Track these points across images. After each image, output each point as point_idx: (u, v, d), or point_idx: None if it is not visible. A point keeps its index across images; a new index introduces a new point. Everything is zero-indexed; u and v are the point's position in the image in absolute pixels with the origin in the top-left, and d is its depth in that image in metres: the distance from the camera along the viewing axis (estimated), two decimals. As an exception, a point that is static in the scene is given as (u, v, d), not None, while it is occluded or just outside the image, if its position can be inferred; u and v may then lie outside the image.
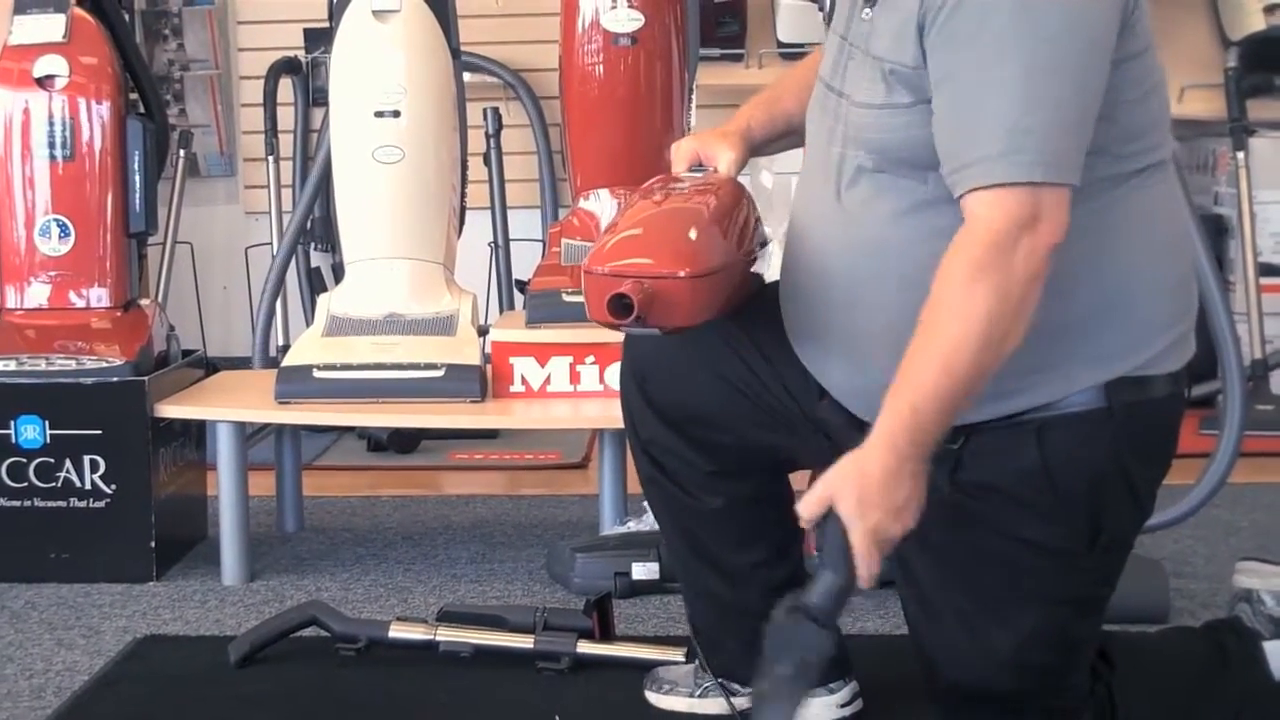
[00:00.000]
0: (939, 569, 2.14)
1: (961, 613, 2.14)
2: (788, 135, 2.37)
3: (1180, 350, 2.12)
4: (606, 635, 2.73)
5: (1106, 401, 2.05)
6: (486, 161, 5.01)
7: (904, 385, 1.92)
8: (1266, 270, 4.71)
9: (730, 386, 2.28)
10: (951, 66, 1.94)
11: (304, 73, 5.34)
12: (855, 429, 2.11)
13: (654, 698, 2.54)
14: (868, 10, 2.08)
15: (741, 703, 2.46)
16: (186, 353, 3.70)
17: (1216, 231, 4.71)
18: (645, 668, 2.61)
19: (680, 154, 2.35)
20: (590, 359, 3.29)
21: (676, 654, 2.63)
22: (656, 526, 3.18)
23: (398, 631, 2.76)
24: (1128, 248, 2.05)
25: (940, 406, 1.91)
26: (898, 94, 2.02)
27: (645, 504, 3.33)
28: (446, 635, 2.73)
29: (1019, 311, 1.90)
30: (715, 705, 2.48)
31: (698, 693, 2.50)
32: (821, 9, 2.24)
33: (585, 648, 2.69)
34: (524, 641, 2.71)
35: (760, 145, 2.38)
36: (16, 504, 3.32)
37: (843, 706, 2.45)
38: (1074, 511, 2.07)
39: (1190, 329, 2.16)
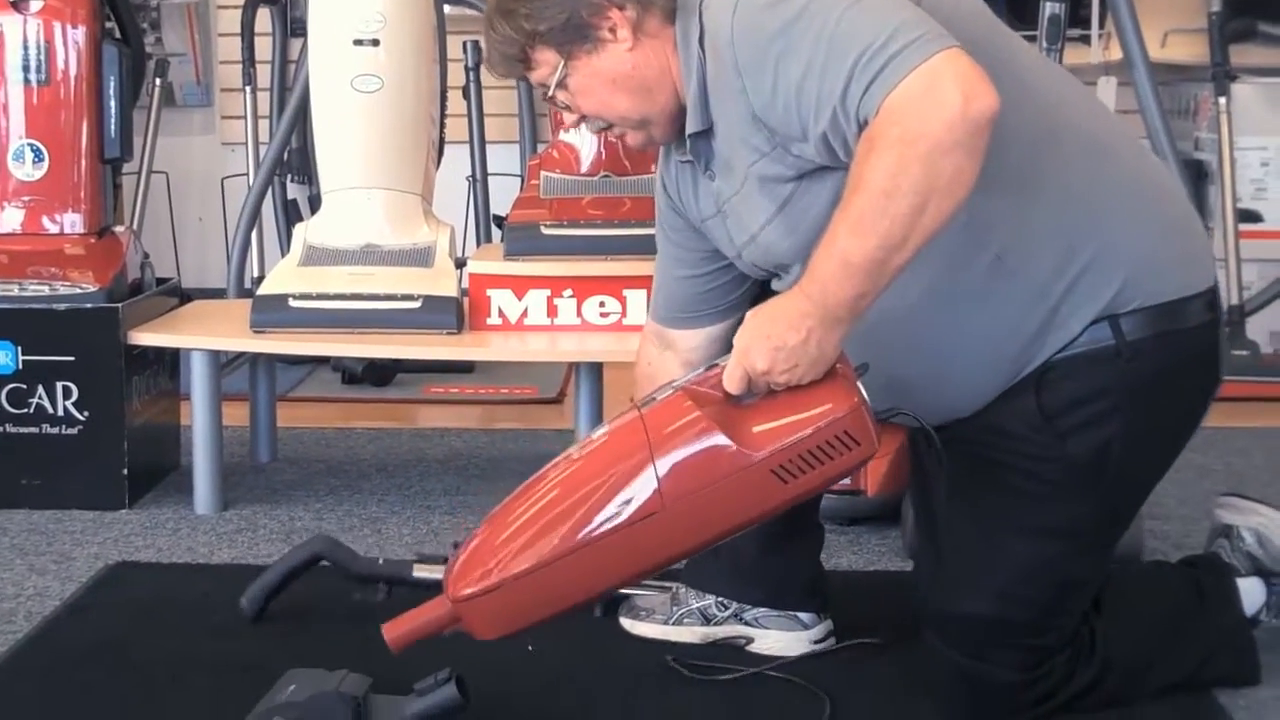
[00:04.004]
0: (950, 494, 2.18)
1: (964, 537, 2.17)
2: None
3: (1187, 269, 2.12)
4: None
5: (1114, 339, 2.06)
6: (465, 95, 4.97)
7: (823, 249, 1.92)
8: (1245, 216, 4.71)
9: None
10: (792, 60, 1.94)
11: (282, 3, 5.29)
12: None
13: (629, 624, 2.54)
14: (709, 174, 2.16)
15: (716, 631, 2.47)
16: (161, 281, 3.68)
17: (1196, 177, 4.70)
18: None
19: None
20: (568, 292, 3.27)
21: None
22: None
23: (422, 573, 2.63)
24: (1077, 185, 2.07)
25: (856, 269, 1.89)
26: (774, 193, 2.06)
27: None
28: None
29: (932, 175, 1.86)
30: (689, 633, 2.49)
31: (672, 620, 2.50)
32: None
33: None
34: None
35: None
36: (-12, 429, 3.31)
37: (816, 643, 2.46)
38: (1075, 448, 2.08)
39: (1190, 252, 2.16)
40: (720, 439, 1.93)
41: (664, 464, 1.94)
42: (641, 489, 1.94)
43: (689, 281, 2.34)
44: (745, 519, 1.99)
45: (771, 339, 1.91)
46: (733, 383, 1.95)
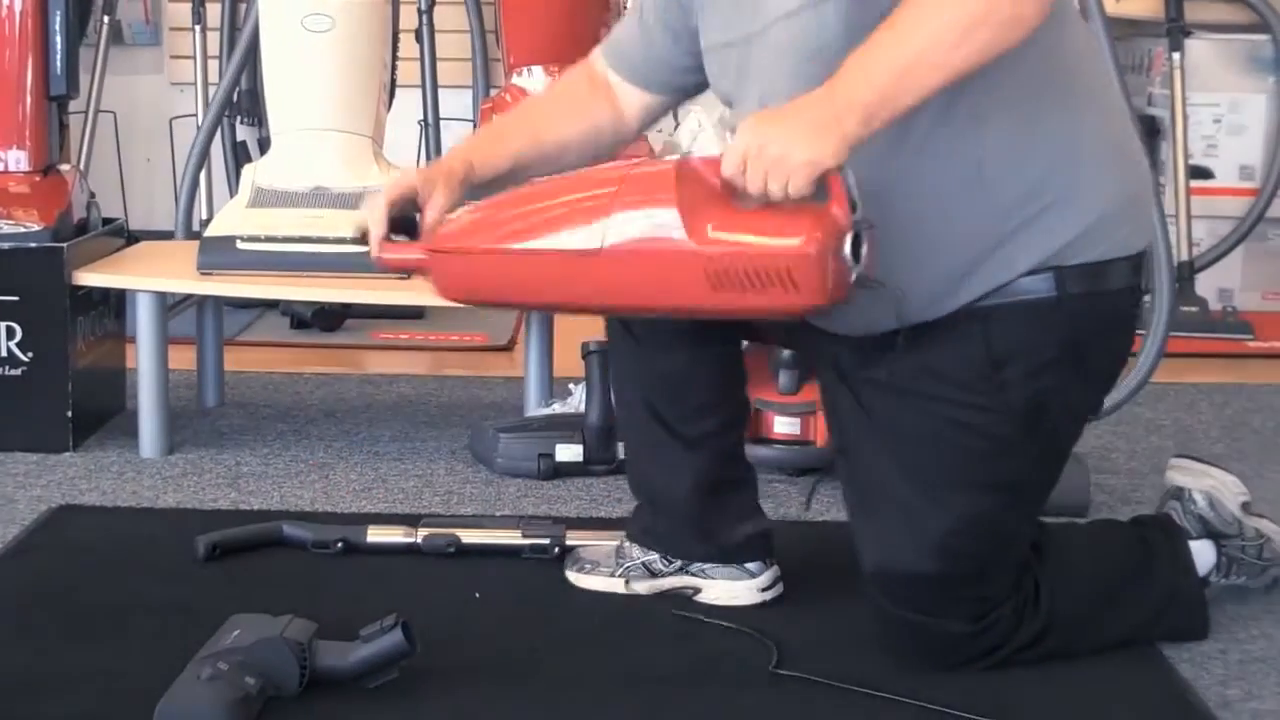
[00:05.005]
0: (880, 448, 2.16)
1: (897, 493, 2.15)
2: (514, 176, 2.31)
3: (1131, 234, 2.13)
4: None
5: (1057, 291, 2.06)
6: (418, 38, 4.93)
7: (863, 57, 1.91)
8: (1196, 173, 4.73)
9: None
10: None
11: (233, -60, 5.23)
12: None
13: (574, 577, 2.53)
14: None
15: (663, 583, 2.46)
16: (107, 221, 3.64)
17: (1149, 133, 4.71)
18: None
19: (392, 186, 2.24)
20: (520, 238, 3.24)
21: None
22: (581, 410, 3.20)
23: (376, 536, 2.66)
24: (1060, 112, 2.07)
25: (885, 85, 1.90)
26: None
27: (570, 387, 3.33)
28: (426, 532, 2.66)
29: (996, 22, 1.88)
30: (636, 586, 2.47)
31: (618, 572, 2.49)
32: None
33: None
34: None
35: (481, 186, 2.29)
36: (-71, 369, 3.26)
37: (763, 591, 2.45)
38: (1014, 399, 2.08)
39: (1139, 216, 2.18)
40: (673, 216, 1.96)
41: (617, 212, 1.99)
42: (590, 225, 2.01)
43: (659, 39, 2.32)
44: (666, 303, 2.04)
45: (774, 116, 1.92)
46: (729, 163, 1.93)
